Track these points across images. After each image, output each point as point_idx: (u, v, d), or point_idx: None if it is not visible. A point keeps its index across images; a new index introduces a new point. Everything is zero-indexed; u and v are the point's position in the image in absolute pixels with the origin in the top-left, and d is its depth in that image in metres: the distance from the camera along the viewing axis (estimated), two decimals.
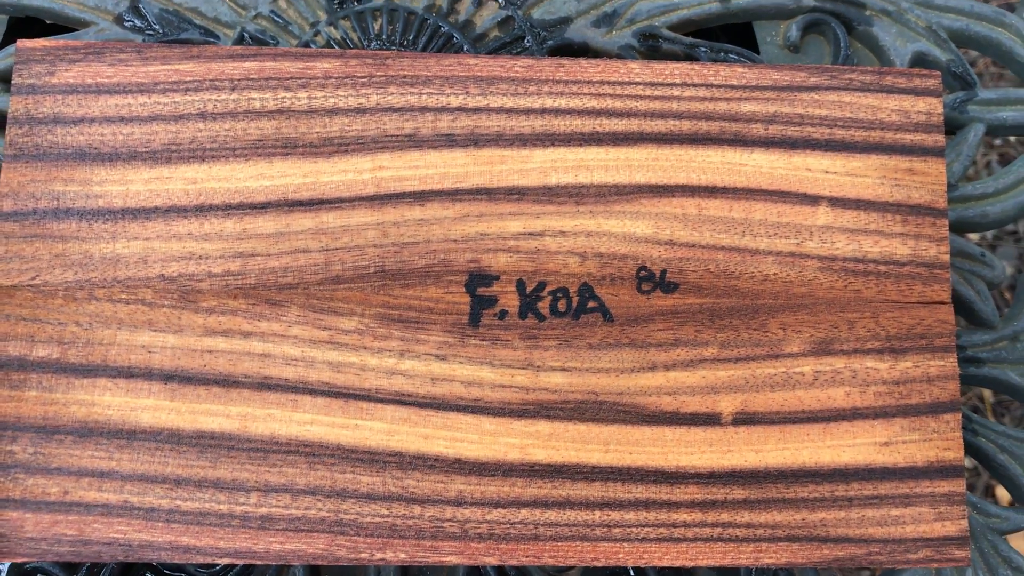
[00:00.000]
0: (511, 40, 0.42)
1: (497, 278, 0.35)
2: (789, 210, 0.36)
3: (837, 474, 0.35)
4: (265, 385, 0.34)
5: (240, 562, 0.33)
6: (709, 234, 0.36)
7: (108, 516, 0.33)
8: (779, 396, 0.35)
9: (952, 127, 0.44)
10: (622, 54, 0.42)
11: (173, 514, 0.34)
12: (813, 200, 0.36)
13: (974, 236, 0.94)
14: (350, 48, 0.41)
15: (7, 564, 0.40)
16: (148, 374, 0.34)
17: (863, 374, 0.35)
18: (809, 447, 0.35)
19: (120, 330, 0.34)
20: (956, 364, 0.35)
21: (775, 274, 0.36)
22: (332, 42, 0.42)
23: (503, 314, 0.35)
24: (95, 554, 0.33)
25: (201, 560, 0.33)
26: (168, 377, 0.34)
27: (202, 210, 0.35)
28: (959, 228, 0.42)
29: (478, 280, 0.35)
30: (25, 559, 0.33)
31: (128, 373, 0.34)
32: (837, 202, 0.36)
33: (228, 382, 0.34)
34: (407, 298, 0.35)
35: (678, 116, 0.36)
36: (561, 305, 0.35)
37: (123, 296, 0.35)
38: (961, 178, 0.42)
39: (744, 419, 0.35)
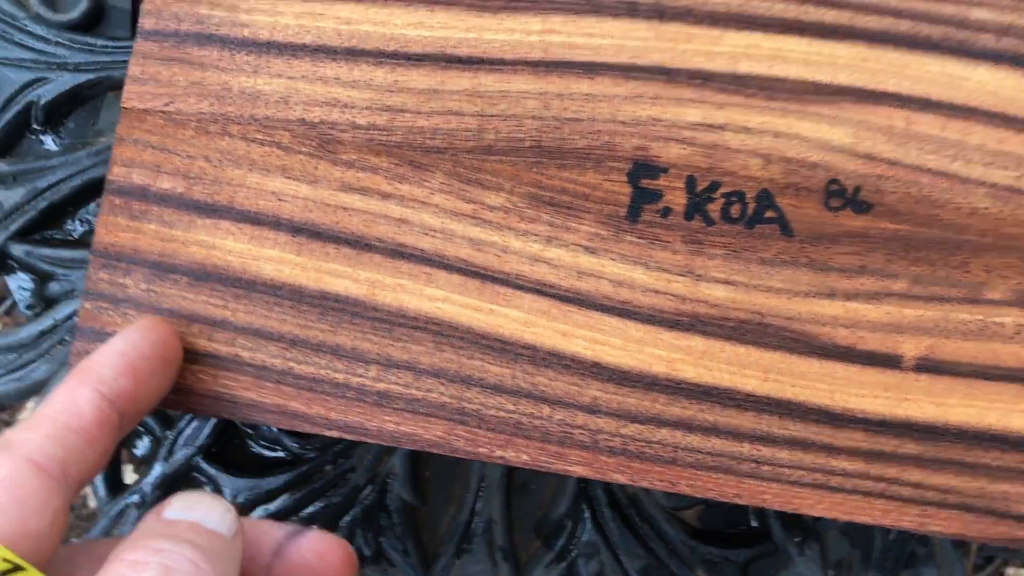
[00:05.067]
0: None
1: (665, 170, 0.31)
2: (1013, 138, 0.31)
3: None
4: (399, 253, 0.31)
5: (350, 437, 0.30)
6: (915, 153, 0.31)
7: (216, 368, 0.31)
8: (972, 346, 0.30)
9: None
10: None
11: (285, 376, 0.31)
12: None
13: None
14: None
15: None
16: (276, 223, 0.31)
17: None
18: (999, 408, 0.30)
19: (251, 172, 0.32)
20: None
21: (986, 208, 0.31)
22: None
23: (666, 212, 0.31)
24: (197, 404, 0.31)
25: (308, 429, 0.31)
26: (297, 230, 0.31)
27: (353, 54, 0.32)
28: None
29: (643, 170, 0.31)
30: None
31: (255, 219, 0.31)
32: None
33: (360, 244, 0.31)
34: (562, 180, 0.31)
35: (897, 14, 0.31)
36: (735, 210, 0.31)
37: (258, 136, 0.32)
38: None
39: (928, 366, 0.30)
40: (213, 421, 0.39)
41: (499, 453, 0.31)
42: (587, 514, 0.38)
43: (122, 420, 0.27)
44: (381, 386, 0.31)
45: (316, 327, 0.31)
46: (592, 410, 0.31)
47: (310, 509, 0.38)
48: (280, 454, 0.39)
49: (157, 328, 0.29)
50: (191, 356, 0.31)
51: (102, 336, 0.31)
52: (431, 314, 0.31)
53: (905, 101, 0.31)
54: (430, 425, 0.31)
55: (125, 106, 0.32)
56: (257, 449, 0.39)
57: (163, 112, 0.32)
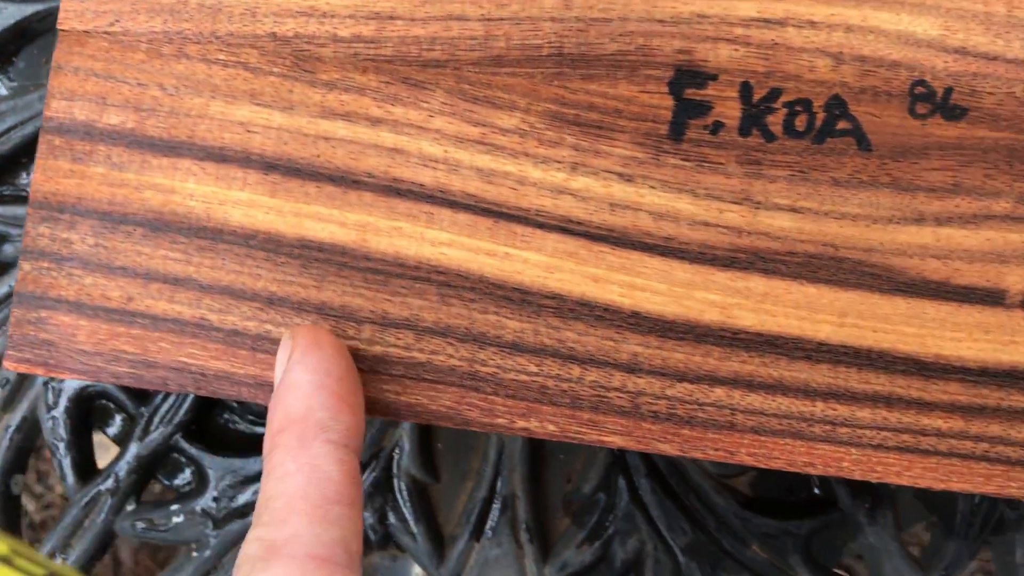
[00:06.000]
0: None
1: (714, 78, 0.26)
2: None
3: None
4: (394, 190, 0.26)
5: None
6: (1019, 44, 0.25)
7: (180, 335, 0.26)
8: None
9: None
10: None
11: (261, 341, 0.26)
12: None
13: None
14: None
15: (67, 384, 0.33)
16: (245, 160, 0.26)
17: None
18: None
19: (214, 100, 0.26)
20: None
21: None
22: None
23: (717, 127, 0.26)
24: (160, 380, 0.26)
25: None
26: (270, 166, 0.26)
27: None
28: None
29: (688, 78, 0.26)
30: (75, 375, 0.26)
31: (220, 156, 0.26)
32: None
33: (347, 181, 0.26)
34: (589, 94, 0.26)
35: None
36: (800, 122, 0.26)
37: (221, 56, 0.26)
38: None
39: None
40: (192, 395, 0.34)
41: (521, 424, 0.26)
42: (623, 485, 0.33)
43: (359, 459, 0.23)
44: (377, 349, 0.26)
45: (297, 282, 0.26)
46: (631, 369, 0.26)
47: None
48: None
49: (325, 337, 0.25)
50: (151, 321, 0.26)
51: (46, 303, 0.26)
52: (434, 261, 0.26)
53: None
54: (437, 394, 0.26)
55: (62, 28, 0.27)
56: (243, 425, 0.35)
57: (108, 33, 0.27)
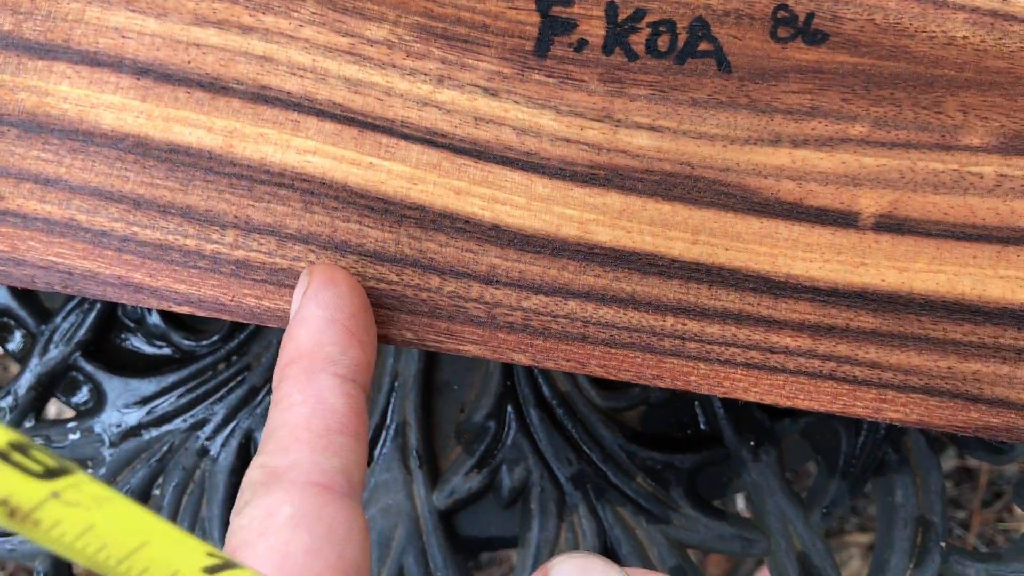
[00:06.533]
0: None
1: None
2: None
3: (1007, 315, 0.25)
4: (261, 97, 0.26)
5: (202, 313, 0.26)
6: None
7: (49, 234, 0.26)
8: (944, 201, 0.25)
9: None
10: None
11: (127, 242, 0.26)
12: None
13: None
14: None
15: None
16: (118, 64, 0.26)
17: None
18: (974, 274, 0.25)
19: (91, 4, 0.27)
20: None
21: (965, 38, 0.26)
22: None
23: (581, 45, 0.26)
24: (27, 277, 0.26)
25: (155, 304, 0.26)
26: (142, 71, 0.26)
27: None
28: None
29: None
30: None
31: (94, 60, 0.27)
32: None
33: (216, 87, 0.26)
34: (457, 7, 0.26)
35: None
36: (662, 42, 0.26)
37: None
38: None
39: (890, 225, 0.25)
40: (93, 314, 0.34)
41: (379, 332, 0.26)
42: (512, 416, 0.34)
43: (366, 395, 0.24)
44: (240, 254, 0.26)
45: (164, 185, 0.26)
46: (489, 280, 0.26)
47: (201, 411, 0.34)
48: (167, 351, 0.35)
49: (340, 275, 0.25)
50: (21, 220, 0.26)
51: None
52: (299, 169, 0.26)
53: None
54: None
55: None
56: (141, 345, 0.35)
57: None
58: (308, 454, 0.21)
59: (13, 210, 0.26)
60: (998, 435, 0.25)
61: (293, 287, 0.26)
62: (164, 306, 0.26)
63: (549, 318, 0.26)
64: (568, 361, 0.26)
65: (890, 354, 0.25)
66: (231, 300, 0.26)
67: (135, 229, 0.26)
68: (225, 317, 0.26)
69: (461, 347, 0.26)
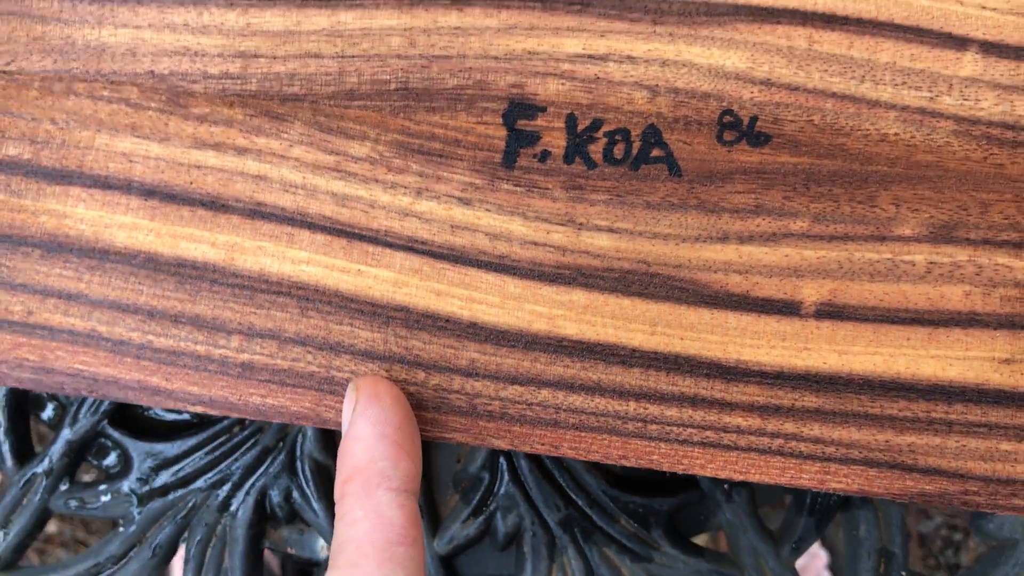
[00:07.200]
0: None
1: (543, 110, 0.29)
2: (926, 54, 0.28)
3: (938, 392, 0.28)
4: (258, 213, 0.29)
5: (214, 412, 0.29)
6: (818, 75, 0.28)
7: (73, 344, 0.29)
8: (879, 288, 0.28)
9: None
10: None
11: (144, 350, 0.29)
12: (960, 43, 0.28)
13: None
14: None
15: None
16: (127, 187, 0.29)
17: (990, 272, 0.28)
18: (908, 354, 0.28)
19: (100, 133, 0.29)
20: None
21: (896, 135, 0.28)
22: None
23: (545, 155, 0.29)
24: (57, 385, 0.29)
25: (171, 405, 0.29)
26: (149, 192, 0.29)
27: None
28: None
29: (519, 110, 0.29)
30: None
31: (105, 183, 0.29)
32: (991, 48, 0.28)
33: (216, 205, 0.29)
34: (431, 124, 0.29)
35: None
36: (618, 150, 0.28)
37: (105, 93, 0.29)
38: None
39: (830, 312, 0.28)
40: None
41: None
42: (504, 466, 0.37)
43: (417, 499, 0.26)
44: (244, 357, 0.29)
45: (174, 297, 0.29)
46: (469, 373, 0.29)
47: (220, 472, 0.37)
48: (186, 417, 0.38)
49: (384, 388, 0.28)
50: (49, 332, 0.29)
51: None
52: (295, 277, 0.29)
53: (807, 18, 0.28)
54: (298, 396, 0.29)
55: None
56: (162, 413, 0.38)
57: (4, 72, 0.30)
58: (375, 568, 0.24)
59: (41, 323, 0.30)
60: (932, 501, 0.28)
61: (294, 386, 0.29)
62: (179, 406, 0.29)
63: (524, 406, 0.29)
64: (543, 444, 0.29)
65: (832, 430, 0.28)
66: (239, 399, 0.29)
67: (150, 338, 0.29)
68: (234, 415, 0.29)
69: (446, 435, 0.29)
